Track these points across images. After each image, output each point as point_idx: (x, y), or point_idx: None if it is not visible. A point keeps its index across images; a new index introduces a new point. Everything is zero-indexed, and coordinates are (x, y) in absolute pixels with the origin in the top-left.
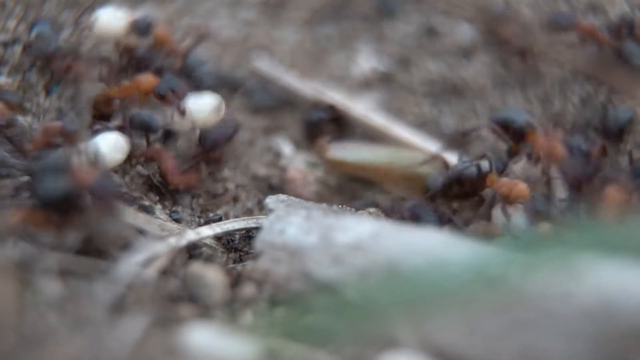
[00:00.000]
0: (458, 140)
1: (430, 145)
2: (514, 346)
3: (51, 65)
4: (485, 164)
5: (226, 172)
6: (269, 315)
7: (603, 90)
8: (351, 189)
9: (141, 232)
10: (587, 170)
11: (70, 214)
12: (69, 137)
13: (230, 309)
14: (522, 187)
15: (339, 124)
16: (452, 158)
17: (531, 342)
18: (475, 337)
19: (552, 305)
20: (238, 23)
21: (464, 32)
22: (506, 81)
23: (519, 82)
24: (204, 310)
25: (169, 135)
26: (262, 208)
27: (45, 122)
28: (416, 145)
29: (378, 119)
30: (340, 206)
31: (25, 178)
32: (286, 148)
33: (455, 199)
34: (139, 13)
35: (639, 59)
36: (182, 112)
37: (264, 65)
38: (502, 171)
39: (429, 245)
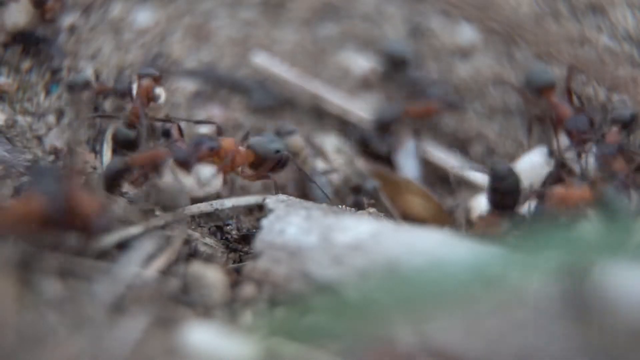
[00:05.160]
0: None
1: None
2: (514, 346)
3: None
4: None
5: None
6: (269, 315)
7: (603, 90)
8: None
9: (140, 229)
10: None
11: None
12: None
13: (230, 309)
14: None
15: None
16: None
17: (531, 342)
18: (475, 337)
19: (552, 305)
20: (238, 23)
21: (464, 32)
22: (506, 81)
23: (519, 82)
24: (204, 310)
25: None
26: (262, 208)
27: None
28: None
29: None
30: (340, 206)
31: (25, 178)
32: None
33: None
34: None
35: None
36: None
37: (264, 65)
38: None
39: (429, 245)
